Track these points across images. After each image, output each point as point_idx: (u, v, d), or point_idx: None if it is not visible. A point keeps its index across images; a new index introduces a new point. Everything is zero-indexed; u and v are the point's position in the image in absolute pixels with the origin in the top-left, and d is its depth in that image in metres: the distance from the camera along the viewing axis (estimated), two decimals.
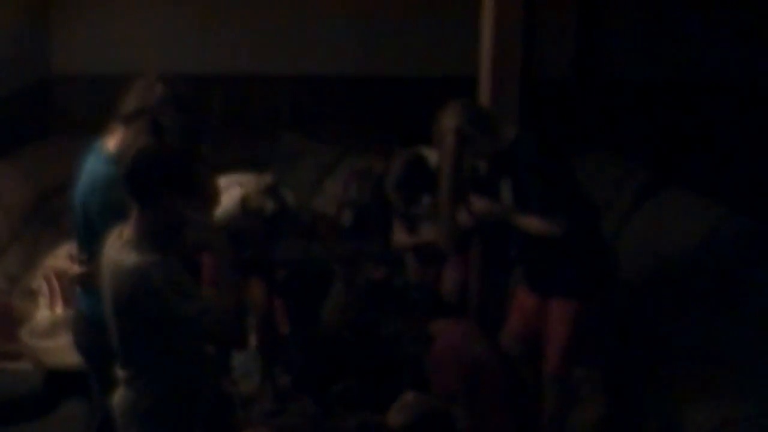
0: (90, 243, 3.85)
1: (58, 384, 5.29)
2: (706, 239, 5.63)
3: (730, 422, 4.44)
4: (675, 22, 8.20)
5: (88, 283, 3.91)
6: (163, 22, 8.48)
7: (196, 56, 8.48)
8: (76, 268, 4.00)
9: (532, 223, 4.60)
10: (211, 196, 3.95)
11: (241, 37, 8.57)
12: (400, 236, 5.94)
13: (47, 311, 5.80)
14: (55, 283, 5.90)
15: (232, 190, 5.33)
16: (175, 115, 3.44)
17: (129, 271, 3.24)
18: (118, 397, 3.55)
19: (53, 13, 8.55)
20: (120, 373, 3.52)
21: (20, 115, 7.90)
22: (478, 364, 4.76)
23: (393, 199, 5.70)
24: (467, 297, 5.56)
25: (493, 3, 4.99)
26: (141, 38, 8.43)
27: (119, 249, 3.31)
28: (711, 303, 5.38)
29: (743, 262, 5.48)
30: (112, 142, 4.03)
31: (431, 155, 5.48)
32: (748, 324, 5.18)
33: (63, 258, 6.14)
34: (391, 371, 5.28)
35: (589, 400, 5.25)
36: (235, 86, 8.71)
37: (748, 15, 7.88)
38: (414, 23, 8.46)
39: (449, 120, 4.65)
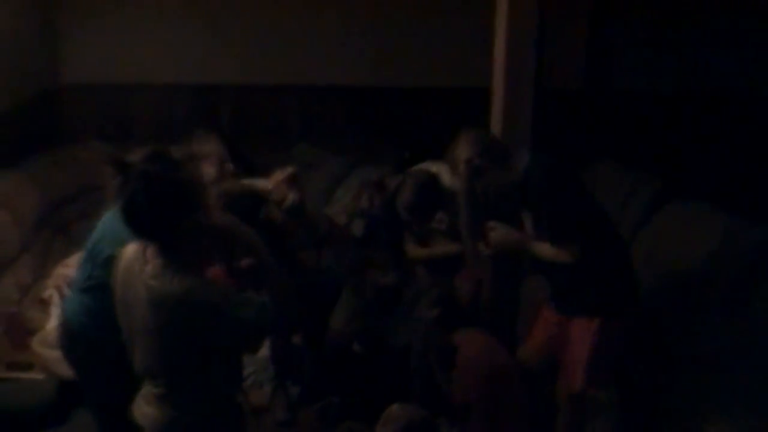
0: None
1: (70, 394, 5.28)
2: (718, 250, 5.60)
3: None
4: (686, 33, 8.19)
5: None
6: (172, 31, 8.47)
7: (206, 66, 8.49)
8: None
9: (545, 250, 4.61)
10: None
11: (250, 47, 8.57)
12: (411, 248, 5.95)
13: (58, 321, 5.79)
14: (67, 292, 5.90)
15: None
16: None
17: (181, 298, 3.25)
18: (154, 412, 3.55)
19: (62, 22, 8.55)
20: (157, 389, 3.52)
21: (30, 124, 7.91)
22: (497, 374, 4.76)
23: (405, 220, 5.76)
24: (479, 308, 5.56)
25: (507, 14, 5.00)
26: (150, 48, 8.43)
27: (157, 276, 3.30)
28: (724, 315, 5.36)
29: (756, 273, 5.46)
30: None
31: (442, 171, 5.51)
32: (762, 336, 5.16)
33: (74, 267, 6.15)
34: (400, 383, 5.27)
35: (604, 417, 5.23)
36: (244, 96, 8.71)
37: (758, 26, 7.87)
38: (426, 33, 8.45)
39: (461, 151, 4.69)
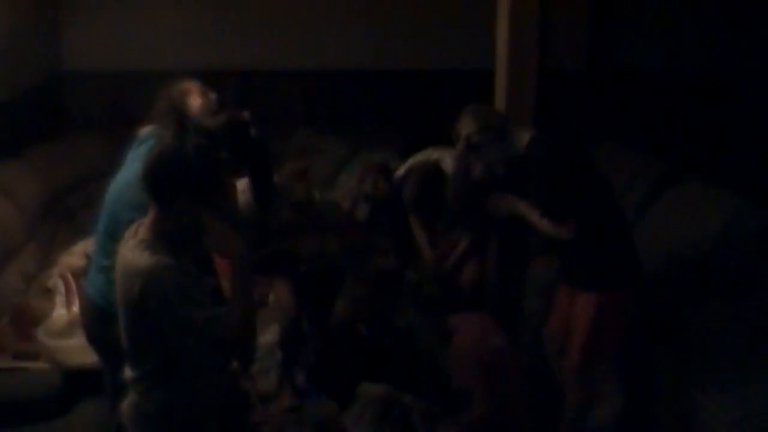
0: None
1: (76, 383, 5.28)
2: (724, 231, 5.59)
3: (750, 415, 4.42)
4: (689, 13, 8.16)
5: None
6: (174, 17, 8.46)
7: (208, 51, 8.47)
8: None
9: (543, 225, 4.61)
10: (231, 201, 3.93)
11: (253, 32, 8.56)
12: (417, 231, 5.96)
13: (64, 310, 5.79)
14: (72, 282, 5.90)
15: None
16: (206, 120, 3.40)
17: (139, 272, 3.21)
18: (126, 399, 3.54)
19: (63, 9, 8.54)
20: (127, 374, 3.50)
21: (32, 113, 7.89)
22: (496, 357, 4.75)
23: (412, 215, 5.81)
24: (484, 290, 5.56)
25: None
26: (152, 34, 8.42)
27: (133, 248, 3.29)
28: (730, 295, 5.35)
29: (762, 254, 5.45)
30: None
31: (444, 157, 5.51)
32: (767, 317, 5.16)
33: (79, 256, 6.15)
34: (407, 363, 5.27)
35: (608, 395, 5.23)
36: (247, 81, 8.69)
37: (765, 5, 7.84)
38: (428, 16, 8.45)
39: (462, 127, 4.69)
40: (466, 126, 4.70)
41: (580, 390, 4.87)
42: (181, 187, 3.23)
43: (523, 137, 4.67)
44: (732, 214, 5.63)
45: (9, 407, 5.17)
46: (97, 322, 4.29)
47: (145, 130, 4.33)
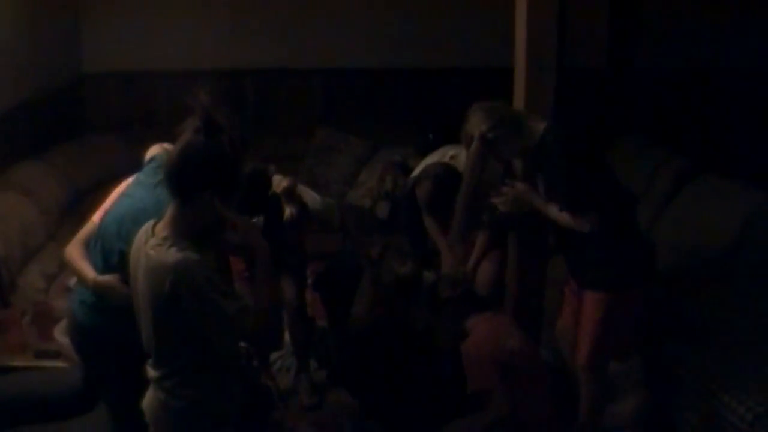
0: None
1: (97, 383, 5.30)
2: (745, 224, 5.58)
3: None
4: (708, 9, 8.14)
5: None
6: (194, 17, 8.49)
7: (228, 51, 8.50)
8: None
9: (563, 217, 4.59)
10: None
11: (271, 31, 8.58)
12: (434, 232, 5.94)
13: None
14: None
15: None
16: (230, 115, 3.39)
17: (170, 268, 3.21)
18: (149, 397, 3.54)
19: (84, 11, 8.58)
20: (151, 372, 3.50)
21: (54, 114, 7.95)
22: (513, 357, 4.74)
23: (427, 217, 5.80)
24: (503, 289, 5.54)
25: None
26: (172, 34, 8.45)
27: (156, 246, 3.29)
28: (753, 290, 5.33)
29: None
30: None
31: (460, 155, 5.49)
32: None
33: None
34: (425, 365, 5.27)
35: (627, 392, 5.21)
36: (267, 80, 8.71)
37: None
38: (448, 14, 8.45)
39: (473, 125, 4.66)
40: (478, 124, 4.67)
41: (592, 387, 4.85)
42: (204, 182, 3.23)
43: (538, 127, 4.64)
44: (753, 207, 5.62)
45: (31, 405, 5.18)
46: (80, 336, 4.30)
47: (154, 152, 4.28)
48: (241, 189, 3.42)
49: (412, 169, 6.42)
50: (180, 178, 3.27)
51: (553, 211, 4.63)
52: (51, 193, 7.01)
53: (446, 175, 5.70)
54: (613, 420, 5.09)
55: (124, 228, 3.81)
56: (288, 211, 5.36)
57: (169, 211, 3.34)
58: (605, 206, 4.54)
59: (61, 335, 5.51)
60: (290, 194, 5.44)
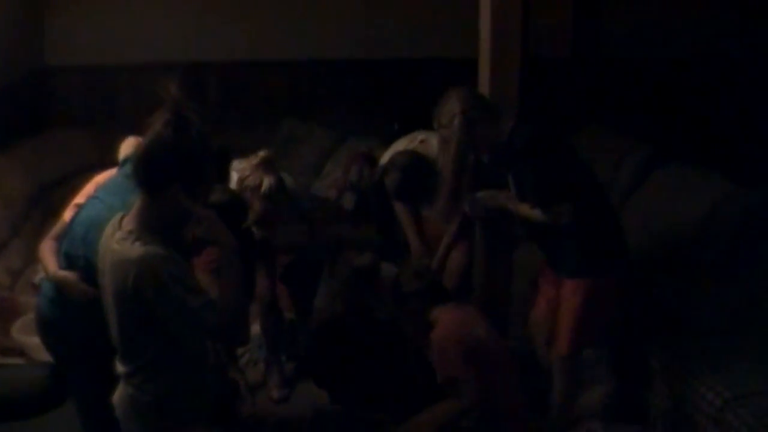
0: None
1: (65, 379, 5.26)
2: (710, 213, 5.60)
3: (740, 397, 4.43)
4: None
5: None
6: (157, 10, 8.45)
7: (192, 43, 8.46)
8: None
9: (536, 215, 4.61)
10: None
11: (236, 23, 8.54)
12: (404, 220, 5.93)
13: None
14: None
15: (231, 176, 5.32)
16: (198, 108, 3.36)
17: (131, 263, 3.19)
18: (119, 392, 3.52)
19: (46, 3, 8.51)
20: (119, 368, 3.49)
21: (16, 107, 7.87)
22: (480, 344, 4.75)
23: (397, 204, 5.78)
24: (471, 280, 5.55)
25: None
26: (136, 27, 8.40)
27: (121, 240, 3.27)
28: (717, 277, 5.36)
29: (748, 236, 5.46)
30: None
31: (430, 138, 5.48)
32: (755, 298, 5.17)
33: None
34: (392, 355, 5.28)
35: (597, 380, 5.24)
36: (231, 73, 8.69)
37: None
38: (412, 4, 8.46)
39: (454, 104, 4.66)
40: (459, 103, 4.66)
41: (567, 376, 4.88)
42: (172, 175, 3.21)
43: (506, 125, 4.66)
44: (717, 196, 5.65)
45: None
46: (45, 329, 4.29)
47: (128, 149, 4.27)
48: (208, 183, 3.42)
49: (378, 160, 6.40)
50: (147, 171, 3.25)
51: (525, 209, 4.66)
52: (15, 188, 6.96)
53: (414, 164, 5.68)
54: (583, 409, 5.11)
55: (90, 235, 3.80)
56: (266, 181, 5.28)
57: (136, 204, 3.32)
58: (579, 194, 4.57)
59: (18, 333, 5.47)
60: (269, 164, 5.36)
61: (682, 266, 5.55)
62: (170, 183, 3.22)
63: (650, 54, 8.27)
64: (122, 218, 3.36)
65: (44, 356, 5.13)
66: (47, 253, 4.18)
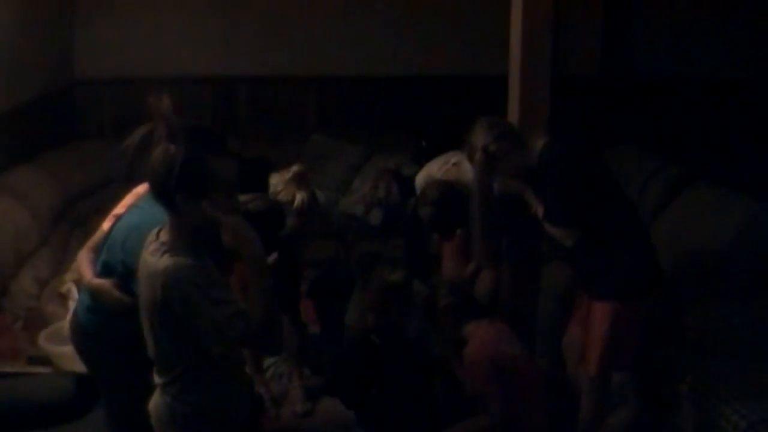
0: None
1: (91, 388, 5.27)
2: (739, 233, 5.58)
3: (767, 420, 4.40)
4: (702, 18, 8.16)
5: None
6: (188, 23, 8.50)
7: (222, 57, 8.50)
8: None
9: (551, 229, 4.62)
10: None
11: (265, 38, 8.58)
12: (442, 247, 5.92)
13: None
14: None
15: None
16: (182, 119, 3.37)
17: (159, 274, 3.20)
18: (154, 402, 3.53)
19: (77, 16, 8.57)
20: (156, 379, 3.50)
21: (46, 119, 7.93)
22: (511, 364, 4.73)
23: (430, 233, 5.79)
24: (498, 299, 5.54)
25: (523, 1, 4.96)
26: (166, 41, 8.46)
27: (154, 251, 3.29)
28: (747, 299, 5.33)
29: None
30: None
31: (464, 163, 5.47)
32: None
33: None
34: (420, 372, 5.26)
35: (624, 402, 5.21)
36: (261, 87, 8.71)
37: None
38: (442, 21, 8.46)
39: (477, 138, 4.66)
40: (480, 137, 4.67)
41: (595, 396, 4.85)
42: (173, 187, 3.22)
43: (537, 145, 4.65)
44: (746, 216, 5.61)
45: (23, 412, 5.17)
46: (80, 337, 4.31)
47: None
48: (231, 192, 3.41)
49: (405, 177, 6.41)
50: (154, 185, 3.29)
51: (547, 227, 4.67)
52: (44, 198, 7.00)
53: (446, 196, 5.65)
54: (608, 429, 5.08)
55: (129, 241, 3.83)
56: (299, 196, 5.27)
57: (167, 218, 3.35)
58: (610, 213, 4.55)
59: (45, 342, 5.49)
60: (302, 178, 5.35)
61: (711, 287, 5.52)
62: (175, 194, 3.23)
63: (679, 73, 8.24)
64: (160, 230, 3.38)
65: (70, 365, 5.16)
66: (84, 261, 4.20)
